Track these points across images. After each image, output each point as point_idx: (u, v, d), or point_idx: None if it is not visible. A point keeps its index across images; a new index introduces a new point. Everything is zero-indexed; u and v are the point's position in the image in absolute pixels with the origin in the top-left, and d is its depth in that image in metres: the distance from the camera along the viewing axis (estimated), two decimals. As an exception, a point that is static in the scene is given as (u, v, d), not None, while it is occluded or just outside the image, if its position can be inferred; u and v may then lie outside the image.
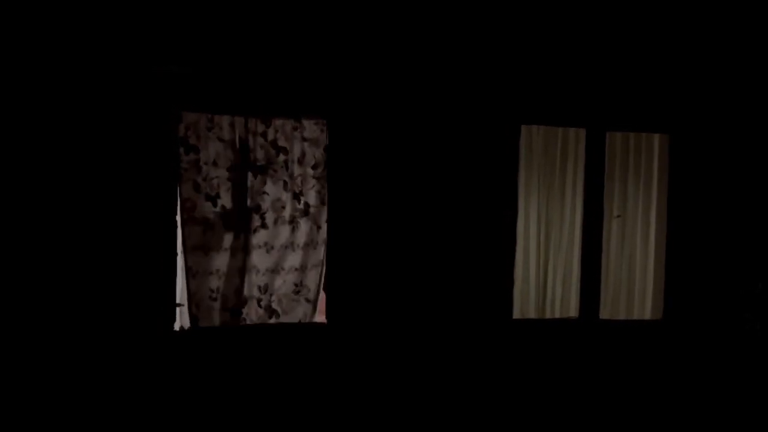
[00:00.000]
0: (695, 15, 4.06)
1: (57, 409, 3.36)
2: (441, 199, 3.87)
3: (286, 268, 3.79)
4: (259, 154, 3.72)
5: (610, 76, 4.06)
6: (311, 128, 3.81)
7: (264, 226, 3.72)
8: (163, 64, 3.46)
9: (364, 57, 3.75)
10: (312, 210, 3.81)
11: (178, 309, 3.67)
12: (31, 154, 3.34)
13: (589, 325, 4.16)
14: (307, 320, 3.82)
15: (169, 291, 3.58)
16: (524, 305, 4.21)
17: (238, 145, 3.69)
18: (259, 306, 3.75)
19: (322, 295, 3.86)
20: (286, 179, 3.76)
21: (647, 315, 4.35)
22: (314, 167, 3.81)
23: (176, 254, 3.61)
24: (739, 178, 4.24)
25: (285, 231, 3.77)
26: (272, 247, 3.75)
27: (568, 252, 4.27)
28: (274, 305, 3.77)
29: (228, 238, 3.67)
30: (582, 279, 4.19)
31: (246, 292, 3.72)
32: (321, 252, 3.81)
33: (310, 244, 3.82)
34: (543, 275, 4.26)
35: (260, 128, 3.72)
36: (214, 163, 3.64)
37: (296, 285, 3.80)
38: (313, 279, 3.82)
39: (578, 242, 4.23)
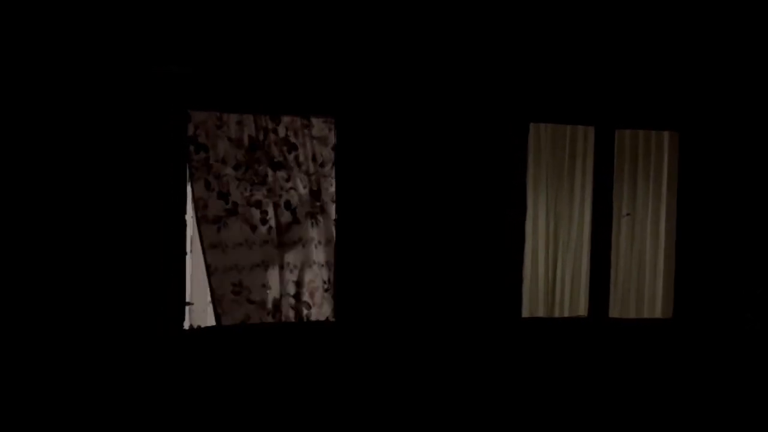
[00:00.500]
0: (705, 11, 4.04)
1: (68, 409, 3.38)
2: (449, 197, 3.87)
3: (312, 264, 3.80)
4: (269, 151, 3.73)
5: (619, 73, 4.04)
6: (319, 126, 3.82)
7: (278, 222, 3.74)
8: (171, 65, 3.47)
9: (372, 55, 3.75)
10: (328, 207, 3.83)
11: (187, 308, 3.68)
12: (43, 155, 3.35)
13: (598, 324, 4.14)
14: (333, 318, 3.83)
15: (179, 290, 3.59)
16: (533, 304, 4.20)
17: (247, 143, 3.70)
18: (295, 299, 3.76)
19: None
20: (301, 176, 3.77)
21: (657, 314, 4.33)
22: (323, 165, 3.82)
23: (185, 253, 3.62)
24: (749, 177, 4.21)
25: (306, 227, 3.77)
26: (294, 243, 3.76)
27: (577, 250, 4.26)
28: (305, 298, 3.78)
29: (250, 234, 3.68)
30: (591, 278, 4.17)
31: (272, 288, 3.73)
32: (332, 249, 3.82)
33: (332, 241, 3.83)
34: (552, 274, 4.25)
35: (271, 125, 3.74)
36: (224, 161, 3.66)
37: (324, 282, 3.81)
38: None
39: (587, 241, 4.21)
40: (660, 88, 4.10)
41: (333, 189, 3.81)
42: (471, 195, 3.89)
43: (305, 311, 3.79)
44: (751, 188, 4.20)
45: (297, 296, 3.76)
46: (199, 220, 3.60)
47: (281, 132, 3.75)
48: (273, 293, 3.73)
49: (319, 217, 3.79)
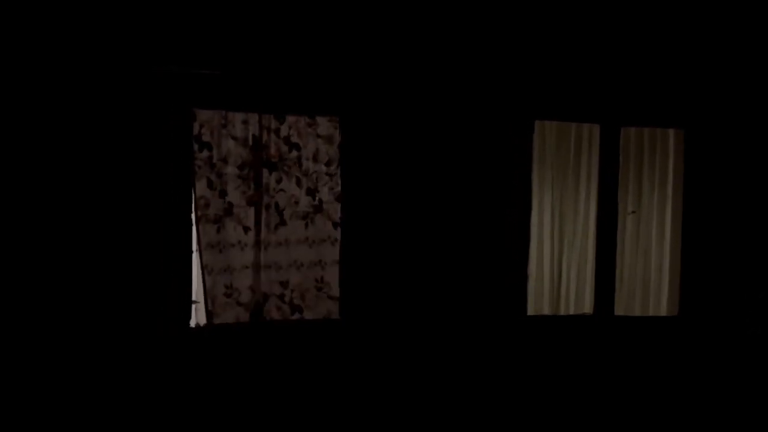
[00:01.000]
0: (710, 10, 4.02)
1: (73, 406, 3.39)
2: (454, 195, 3.87)
3: (305, 264, 3.80)
4: (273, 151, 3.73)
5: (624, 71, 4.03)
6: (325, 125, 3.81)
7: (282, 222, 3.74)
8: (177, 65, 3.47)
9: (377, 54, 3.74)
10: (326, 206, 3.82)
11: (194, 306, 3.69)
12: (50, 155, 3.36)
13: (603, 321, 4.14)
14: (330, 317, 3.82)
15: (184, 288, 3.60)
16: (538, 302, 4.20)
17: (251, 142, 3.71)
18: (283, 301, 3.76)
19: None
20: (300, 176, 3.78)
21: (663, 312, 4.32)
22: (327, 164, 3.82)
23: (191, 252, 3.63)
24: (755, 175, 4.19)
25: (301, 227, 3.78)
26: (289, 243, 3.76)
27: (583, 248, 4.25)
28: (296, 301, 3.78)
29: (243, 235, 3.69)
30: (596, 275, 4.17)
31: (266, 288, 3.74)
32: (338, 248, 3.82)
33: (326, 240, 3.83)
34: (557, 272, 4.24)
35: (274, 125, 3.74)
36: (226, 160, 3.66)
37: (317, 281, 3.81)
38: (334, 275, 3.83)
39: (592, 238, 4.21)
40: (665, 85, 4.08)
41: (334, 188, 3.80)
42: (476, 193, 3.89)
43: (296, 312, 3.77)
44: (756, 187, 4.19)
45: (283, 297, 3.75)
46: (199, 219, 3.60)
47: (284, 131, 3.75)
48: (263, 294, 3.72)
49: (314, 217, 3.78)
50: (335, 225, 3.83)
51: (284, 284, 3.77)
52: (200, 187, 3.63)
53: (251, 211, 3.71)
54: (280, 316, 3.77)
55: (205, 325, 3.66)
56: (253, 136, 3.71)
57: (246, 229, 3.70)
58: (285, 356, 3.71)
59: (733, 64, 4.13)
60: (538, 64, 3.93)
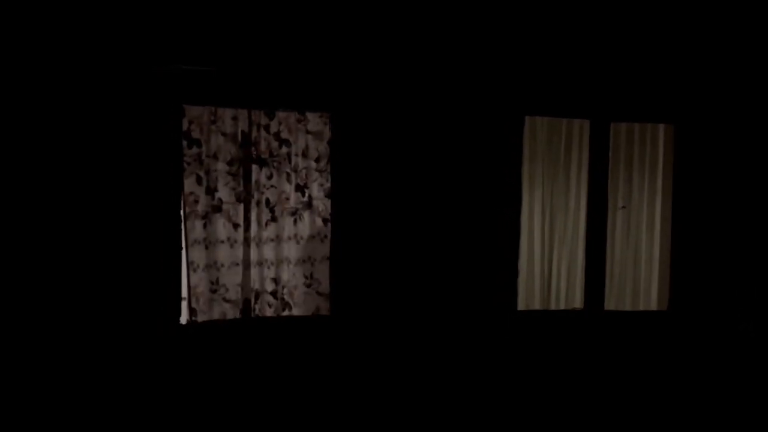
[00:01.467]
0: (699, 5, 4.02)
1: (62, 404, 3.39)
2: (445, 191, 3.87)
3: (293, 260, 3.80)
4: (263, 147, 3.72)
5: (614, 66, 4.03)
6: (315, 121, 3.81)
7: (273, 219, 3.74)
8: (168, 62, 3.46)
9: (368, 50, 3.74)
10: (315, 203, 3.82)
11: (184, 302, 3.68)
12: (39, 150, 3.34)
13: (593, 316, 4.15)
14: (320, 313, 3.82)
15: (174, 285, 3.59)
16: (529, 297, 4.21)
17: (240, 138, 3.69)
18: (275, 298, 3.76)
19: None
20: (289, 171, 3.77)
21: (653, 306, 4.34)
22: (317, 160, 3.82)
23: (181, 248, 3.62)
24: (745, 170, 4.21)
25: (290, 223, 3.78)
26: (279, 240, 3.76)
27: (573, 243, 4.27)
28: (286, 298, 3.78)
29: (233, 232, 3.68)
30: (587, 270, 4.18)
31: (257, 285, 3.73)
32: (328, 244, 3.82)
33: (316, 237, 3.83)
34: (548, 267, 4.26)
35: (264, 121, 3.73)
36: (216, 157, 3.65)
37: (306, 278, 3.81)
38: (324, 272, 3.83)
39: (583, 233, 4.22)
40: (655, 81, 4.09)
41: (324, 184, 3.80)
42: (466, 189, 3.89)
43: (285, 309, 3.78)
44: (746, 181, 4.21)
45: (275, 293, 3.76)
46: (188, 216, 3.60)
47: (273, 127, 3.74)
48: (252, 290, 3.72)
49: (303, 213, 3.78)
50: (325, 221, 3.83)
51: (275, 281, 3.78)
52: (189, 183, 3.62)
53: (241, 207, 3.70)
54: (271, 313, 3.77)
55: (195, 322, 3.65)
56: (243, 132, 3.70)
57: (236, 226, 3.69)
58: (276, 353, 3.72)
59: (722, 59, 4.14)
60: (529, 60, 3.93)
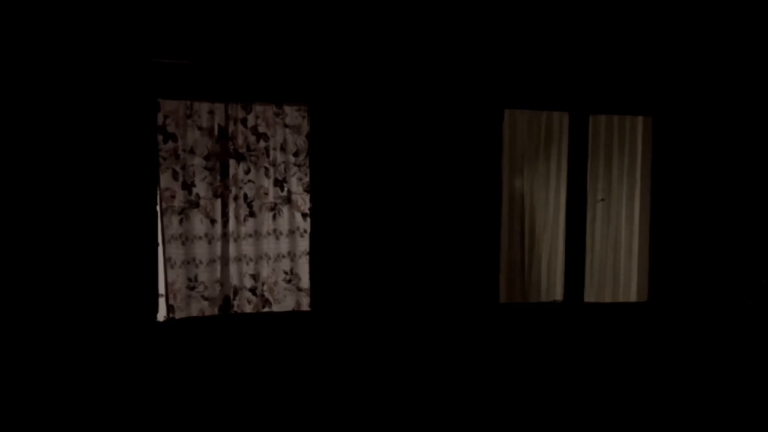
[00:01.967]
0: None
1: (35, 403, 3.32)
2: (424, 184, 3.85)
3: (272, 256, 3.77)
4: (240, 141, 3.68)
5: (592, 59, 4.04)
6: (293, 115, 3.77)
7: (252, 214, 3.70)
8: (143, 56, 3.39)
9: (345, 42, 3.70)
10: (294, 197, 3.78)
11: (162, 299, 3.63)
12: (9, 145, 3.27)
13: (574, 308, 4.17)
14: (300, 309, 3.79)
15: (151, 281, 3.54)
16: (510, 289, 4.22)
17: (217, 133, 3.64)
18: (254, 294, 3.72)
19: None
20: (267, 166, 3.73)
21: (632, 298, 4.38)
22: (296, 154, 3.78)
23: (157, 245, 3.57)
24: (722, 161, 4.24)
25: (269, 219, 3.74)
26: (258, 235, 3.72)
27: (553, 236, 4.28)
28: (266, 294, 3.75)
29: (210, 227, 3.64)
30: (566, 263, 4.20)
31: (236, 281, 3.69)
32: (308, 239, 3.78)
33: (296, 232, 3.80)
34: (528, 259, 4.27)
35: (241, 114, 3.68)
36: (193, 151, 3.60)
37: (286, 273, 3.78)
38: (304, 267, 3.79)
39: (563, 226, 4.23)
40: (633, 73, 4.10)
41: (303, 179, 3.76)
42: (446, 182, 3.88)
43: (264, 305, 3.74)
44: (723, 172, 4.25)
45: (255, 290, 3.72)
46: (164, 212, 3.55)
47: (251, 121, 3.70)
48: (230, 287, 3.68)
49: (282, 208, 3.74)
50: (304, 216, 3.79)
51: (255, 277, 3.74)
52: (165, 178, 3.57)
53: (218, 202, 3.65)
54: (250, 309, 3.73)
55: (172, 319, 3.60)
56: (220, 126, 3.65)
57: (213, 222, 3.65)
58: (256, 350, 3.68)
59: (699, 52, 4.16)
60: (508, 52, 3.92)
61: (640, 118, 4.32)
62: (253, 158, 3.71)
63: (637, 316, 4.25)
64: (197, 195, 3.62)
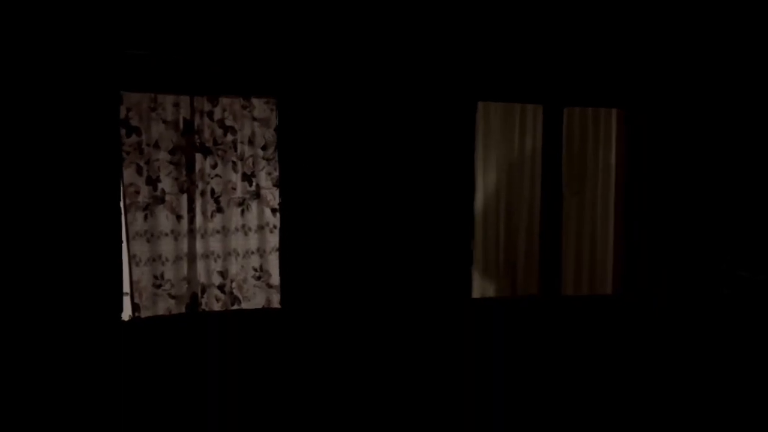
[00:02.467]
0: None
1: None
2: (396, 178, 3.79)
3: (241, 252, 3.68)
4: (206, 135, 3.58)
5: (566, 51, 4.01)
6: (261, 107, 3.68)
7: (219, 210, 3.61)
8: (104, 46, 3.29)
9: (314, 32, 3.62)
10: (263, 192, 3.70)
11: (127, 298, 3.53)
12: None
13: (550, 302, 4.14)
14: (271, 306, 3.71)
15: (114, 279, 3.43)
16: (485, 284, 4.17)
17: (182, 126, 3.55)
18: (223, 292, 3.63)
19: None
20: (235, 160, 3.64)
21: (608, 290, 4.35)
22: (264, 148, 3.69)
23: (121, 242, 3.46)
24: (692, 153, 4.24)
25: (237, 214, 3.66)
26: (226, 231, 3.63)
27: (528, 229, 4.24)
28: (235, 291, 3.66)
29: (176, 224, 3.54)
30: (542, 256, 4.16)
31: (204, 279, 3.60)
32: (278, 235, 3.70)
33: (265, 228, 3.71)
34: (503, 253, 4.22)
35: (207, 107, 3.58)
36: (157, 146, 3.50)
37: (256, 270, 3.69)
38: (274, 263, 3.71)
39: (537, 219, 4.19)
40: (606, 66, 4.08)
41: (272, 173, 3.68)
42: (418, 175, 3.82)
43: (234, 303, 3.66)
44: (697, 164, 4.24)
45: (223, 287, 3.63)
46: (128, 208, 3.44)
47: (217, 114, 3.60)
48: (198, 284, 3.59)
49: (251, 203, 3.66)
50: (274, 211, 3.71)
51: (223, 274, 3.65)
52: (129, 174, 3.46)
53: (184, 198, 3.56)
54: (219, 307, 3.64)
55: (138, 318, 3.50)
56: (185, 119, 3.56)
57: (179, 218, 3.55)
58: (225, 348, 3.59)
59: (671, 44, 4.15)
60: (481, 44, 3.87)
61: (614, 112, 4.30)
62: (220, 152, 3.62)
63: (615, 308, 4.22)
64: (162, 190, 3.52)
